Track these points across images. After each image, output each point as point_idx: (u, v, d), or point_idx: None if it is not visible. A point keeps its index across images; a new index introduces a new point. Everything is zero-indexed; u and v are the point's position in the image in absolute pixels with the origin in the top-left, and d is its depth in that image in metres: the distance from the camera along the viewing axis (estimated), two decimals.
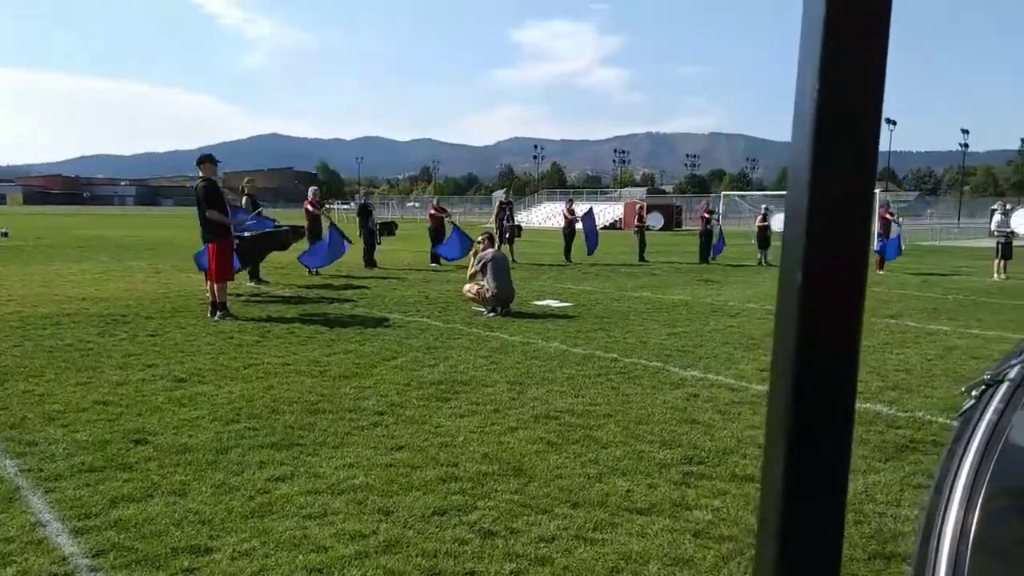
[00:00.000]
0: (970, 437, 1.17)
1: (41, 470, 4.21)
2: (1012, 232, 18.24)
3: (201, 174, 9.98)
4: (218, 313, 9.60)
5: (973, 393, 1.20)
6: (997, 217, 18.52)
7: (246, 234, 12.16)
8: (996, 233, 18.33)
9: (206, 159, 10.10)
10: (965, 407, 1.21)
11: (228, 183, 14.27)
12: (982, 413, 1.16)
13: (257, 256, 13.26)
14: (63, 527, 3.50)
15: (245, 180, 14.37)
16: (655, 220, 22.00)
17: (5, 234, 28.55)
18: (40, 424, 5.04)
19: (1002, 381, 1.14)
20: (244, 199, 13.96)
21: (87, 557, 3.22)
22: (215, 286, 9.71)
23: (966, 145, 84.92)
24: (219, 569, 3.14)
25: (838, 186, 0.53)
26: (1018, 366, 1.16)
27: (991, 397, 1.14)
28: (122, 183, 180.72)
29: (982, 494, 1.08)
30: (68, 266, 16.66)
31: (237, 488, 4.02)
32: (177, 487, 4.02)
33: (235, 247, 10.71)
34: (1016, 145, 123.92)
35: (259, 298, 11.90)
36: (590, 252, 20.90)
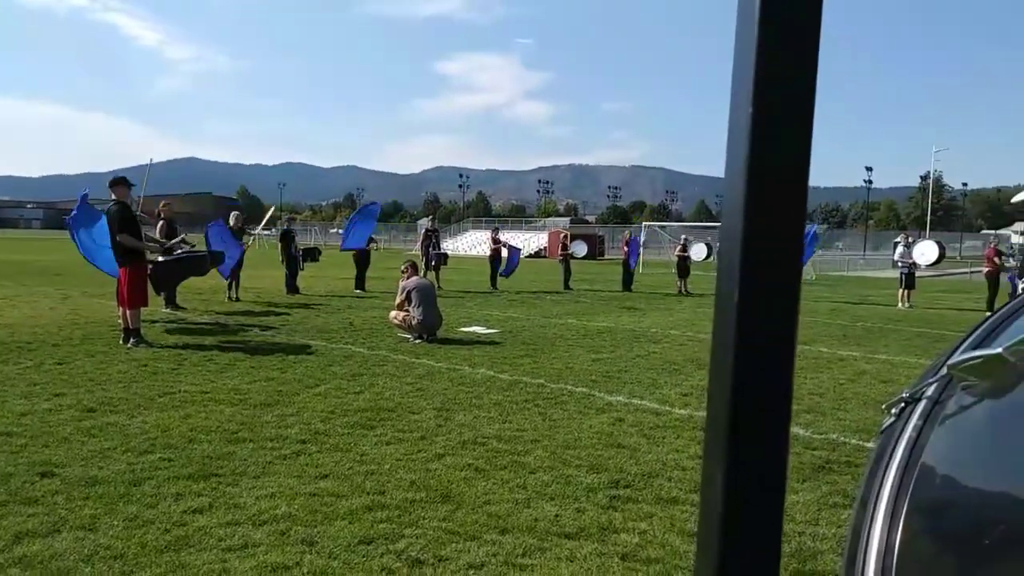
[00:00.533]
0: (891, 454, 1.21)
1: None
2: (914, 263, 19.23)
3: (114, 197, 9.63)
4: (131, 340, 9.23)
5: (893, 411, 1.24)
6: (900, 249, 19.49)
7: (160, 259, 11.77)
8: (899, 264, 19.28)
9: (119, 181, 9.77)
10: (885, 424, 1.26)
11: (144, 207, 13.79)
12: (902, 431, 1.20)
13: (172, 281, 12.83)
14: None
15: (161, 204, 13.93)
16: (579, 248, 22.32)
17: None
18: None
19: (920, 399, 1.19)
20: (160, 223, 13.53)
21: None
22: (128, 312, 9.34)
23: (870, 181, 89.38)
24: None
25: (772, 204, 0.54)
26: (935, 384, 1.21)
27: (910, 414, 1.19)
28: (28, 206, 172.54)
29: (904, 509, 1.12)
30: None
31: (151, 521, 3.85)
32: (87, 521, 3.82)
33: (148, 272, 10.36)
34: (916, 182, 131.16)
35: (176, 325, 11.50)
36: (507, 274, 21.23)
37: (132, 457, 4.87)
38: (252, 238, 16.54)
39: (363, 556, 3.53)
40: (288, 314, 13.33)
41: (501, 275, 21.07)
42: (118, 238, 9.39)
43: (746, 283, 0.55)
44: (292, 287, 17.28)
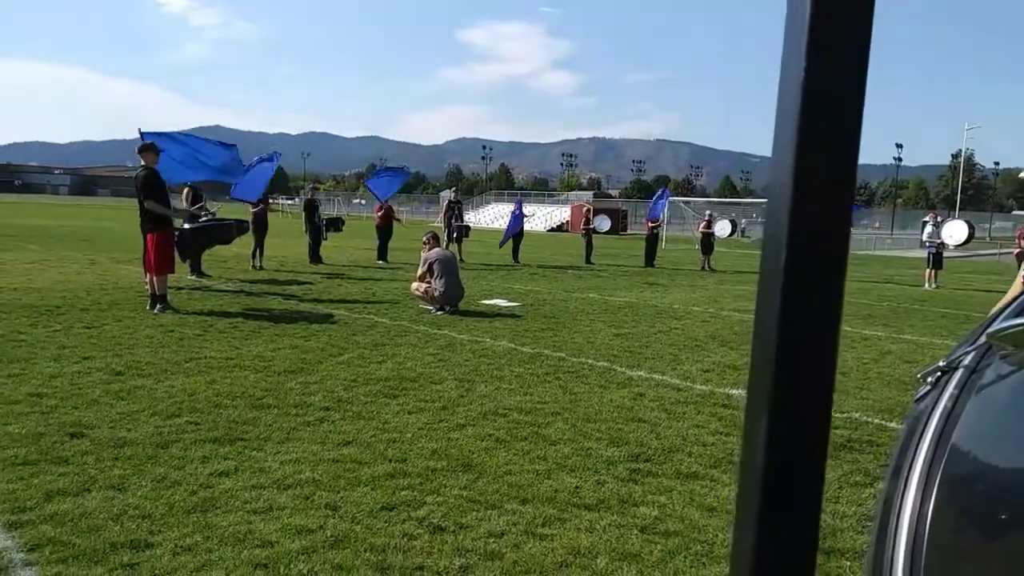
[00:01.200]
0: (925, 423, 1.20)
1: None
2: (942, 243, 18.95)
3: (143, 163, 9.71)
4: (158, 306, 9.35)
5: (928, 380, 1.23)
6: (928, 228, 19.21)
7: (186, 226, 11.89)
8: (927, 244, 19.02)
9: (148, 147, 9.83)
10: (920, 393, 1.25)
11: None
12: (937, 400, 1.19)
13: (198, 249, 12.96)
14: None
15: None
16: (602, 223, 22.11)
17: None
18: None
19: (956, 368, 1.18)
20: (185, 190, 13.63)
21: (22, 551, 3.10)
22: (155, 278, 9.46)
23: (899, 159, 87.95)
24: (160, 564, 3.06)
25: (821, 180, 0.53)
26: (972, 352, 1.20)
27: (946, 384, 1.18)
28: (56, 171, 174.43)
29: (937, 479, 1.11)
30: None
31: (179, 483, 3.93)
32: (115, 481, 3.90)
33: (176, 239, 10.46)
34: (946, 160, 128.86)
35: (201, 292, 11.63)
36: (503, 242, 21.10)
37: (159, 420, 4.96)
38: (268, 205, 16.69)
39: (385, 522, 3.58)
40: (311, 283, 13.42)
41: (502, 244, 20.92)
42: (146, 204, 9.48)
43: (792, 262, 0.54)
44: (315, 257, 17.39)
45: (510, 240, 20.88)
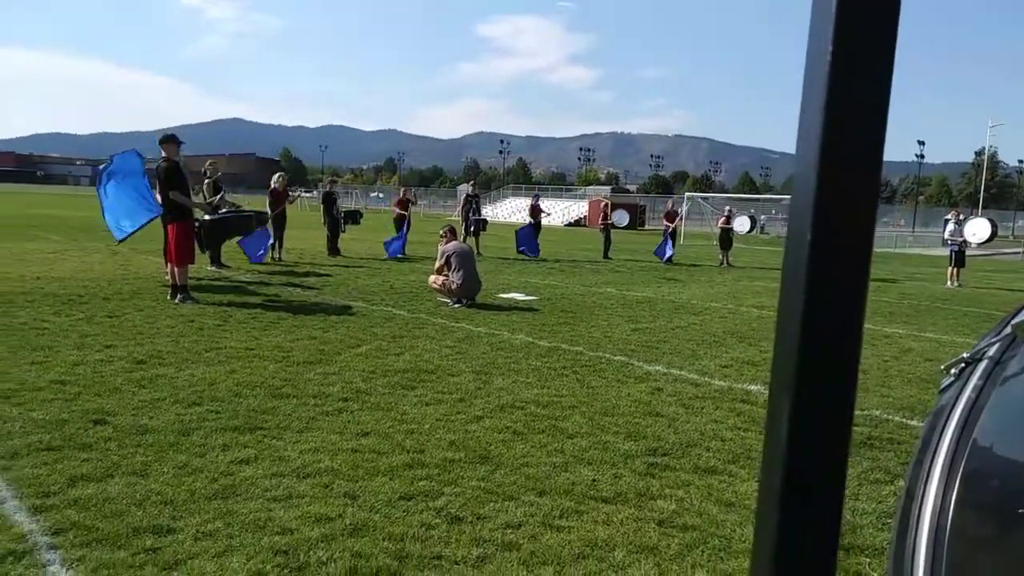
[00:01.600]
0: (949, 414, 1.19)
1: None
2: (964, 241, 18.74)
3: (164, 154, 9.79)
4: (179, 296, 9.43)
5: (952, 371, 1.22)
6: (950, 226, 18.98)
7: (207, 217, 11.97)
8: (949, 242, 18.81)
9: (169, 139, 9.91)
10: (944, 384, 1.24)
11: (189, 166, 13.99)
12: (961, 391, 1.18)
13: (218, 240, 13.05)
14: (21, 505, 3.42)
15: (208, 163, 14.13)
16: (621, 218, 21.90)
17: None
18: None
19: (981, 359, 1.17)
20: (206, 183, 13.73)
21: (46, 535, 3.15)
22: (176, 268, 9.54)
23: (922, 156, 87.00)
24: (182, 549, 3.10)
25: (845, 178, 0.53)
26: (997, 344, 1.19)
27: (970, 374, 1.17)
28: (77, 162, 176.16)
29: (960, 469, 1.10)
30: (21, 245, 16.22)
31: (200, 470, 3.97)
32: (138, 467, 3.95)
33: (196, 230, 10.54)
34: (969, 158, 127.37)
35: (221, 283, 11.72)
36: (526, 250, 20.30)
37: (181, 408, 5.01)
38: (293, 199, 16.73)
39: (403, 511, 3.60)
40: (330, 275, 13.49)
41: (521, 251, 20.21)
42: (170, 195, 9.56)
43: (816, 258, 0.54)
44: (333, 249, 17.47)
45: (527, 235, 20.83)
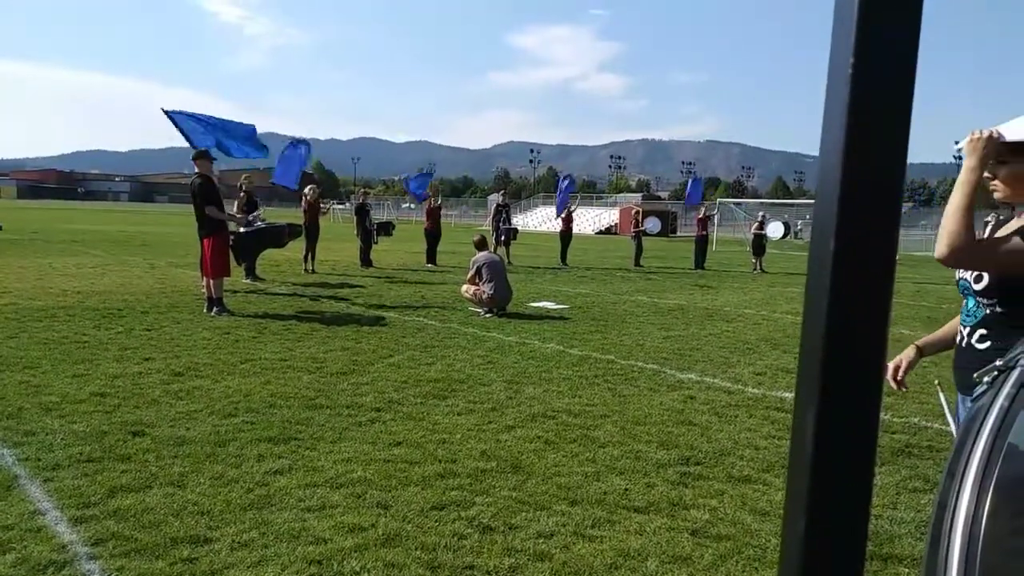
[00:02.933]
0: (982, 423, 1.18)
1: (39, 459, 4.20)
2: None
3: (197, 170, 9.96)
4: (214, 309, 9.58)
5: (985, 380, 1.21)
6: (989, 229, 18.56)
7: (241, 230, 12.15)
8: None
9: (203, 155, 10.09)
10: (977, 392, 1.22)
11: (224, 180, 14.22)
12: (993, 399, 1.17)
13: (254, 252, 13.24)
14: (62, 515, 3.49)
15: (243, 177, 14.34)
16: (653, 225, 21.60)
17: None
18: (37, 414, 5.03)
19: (1014, 367, 1.16)
20: (241, 195, 13.93)
21: (86, 545, 3.22)
22: (211, 282, 9.69)
23: (960, 158, 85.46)
24: (219, 559, 3.14)
25: (868, 183, 0.53)
26: None
27: (1003, 383, 1.16)
28: (117, 179, 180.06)
29: (993, 479, 1.09)
30: (62, 260, 16.60)
31: (236, 480, 4.02)
32: (175, 478, 4.02)
33: (231, 243, 10.70)
34: None
35: (255, 295, 11.88)
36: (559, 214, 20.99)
37: (217, 419, 5.08)
38: (326, 210, 16.95)
39: (436, 521, 3.61)
40: (362, 286, 13.61)
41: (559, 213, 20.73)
42: (206, 210, 9.73)
43: (839, 264, 0.54)
44: (366, 260, 17.62)
45: (559, 242, 20.82)
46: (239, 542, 3.30)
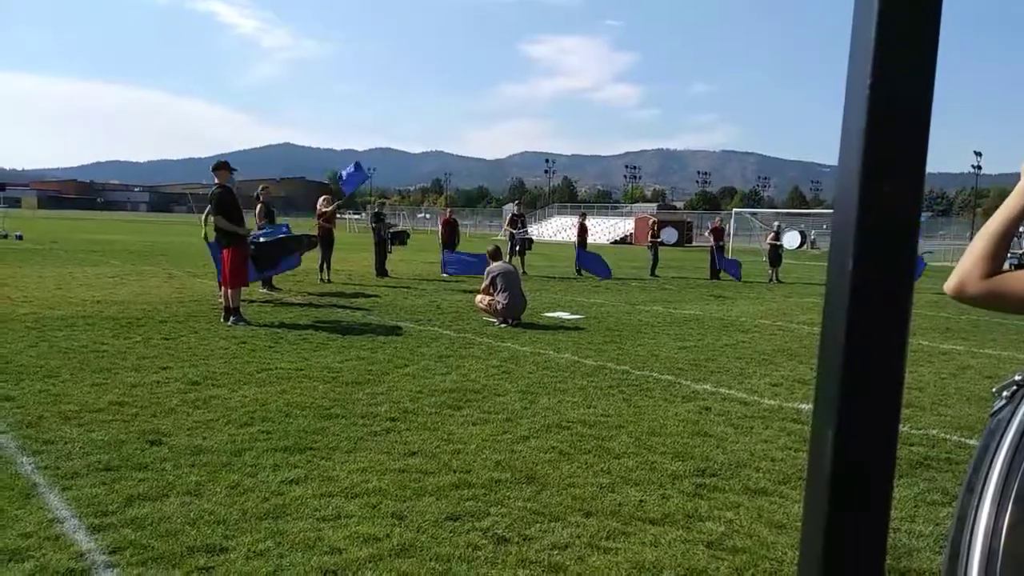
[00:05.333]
0: (1001, 437, 1.17)
1: (58, 468, 4.24)
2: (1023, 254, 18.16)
3: (216, 181, 10.05)
4: (231, 318, 9.64)
5: (1004, 394, 1.20)
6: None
7: (261, 239, 12.19)
8: (1010, 255, 18.23)
9: (222, 166, 10.19)
10: (996, 407, 1.22)
11: (243, 191, 14.29)
12: (1013, 413, 1.16)
13: (273, 262, 13.25)
14: (80, 524, 3.52)
15: (260, 187, 14.44)
16: (670, 235, 21.30)
17: (20, 237, 28.77)
18: (56, 423, 5.08)
19: None
20: (259, 206, 14.03)
21: (104, 554, 3.24)
22: (229, 291, 9.76)
23: (979, 167, 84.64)
24: (234, 568, 3.16)
25: (888, 195, 0.53)
26: None
27: (1022, 398, 1.15)
28: (135, 189, 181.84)
29: (1012, 494, 1.08)
30: (82, 269, 16.78)
31: (251, 489, 4.04)
32: (192, 487, 4.04)
33: (252, 254, 10.77)
34: None
35: (271, 304, 11.95)
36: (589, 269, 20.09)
37: (233, 429, 5.11)
38: (338, 208, 17.40)
39: (450, 532, 3.61)
40: (377, 296, 13.66)
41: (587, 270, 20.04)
42: (215, 220, 9.81)
43: (858, 280, 0.54)
44: (381, 270, 17.67)
45: (575, 252, 20.80)
46: (255, 551, 3.32)
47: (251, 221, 13.03)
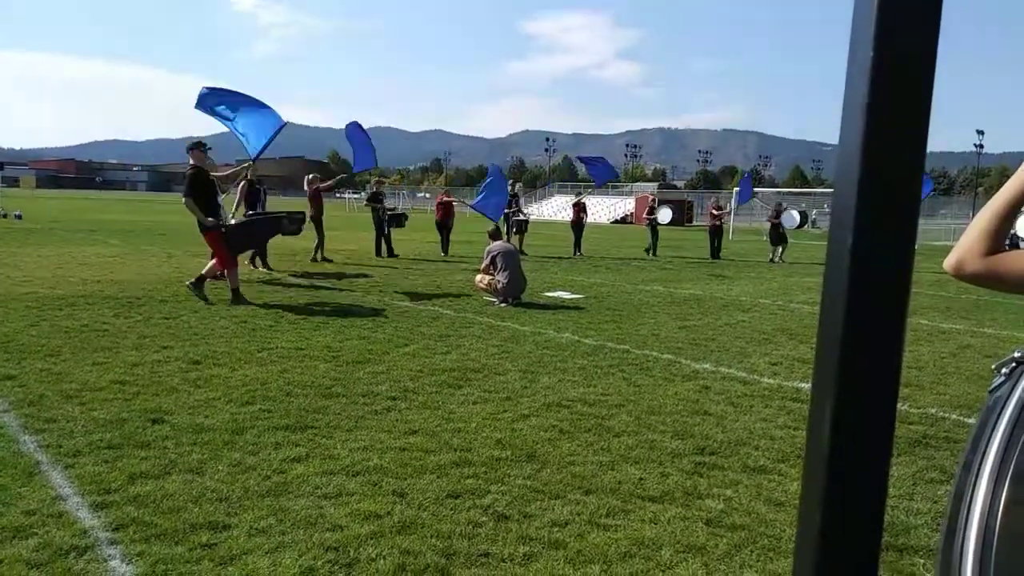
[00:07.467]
0: (999, 415, 1.17)
1: (60, 446, 4.26)
2: (1015, 234, 18.14)
3: (191, 161, 9.88)
4: (231, 299, 9.62)
5: (1003, 371, 1.20)
6: None
7: (232, 222, 11.36)
8: (1012, 234, 18.23)
9: (195, 146, 9.97)
10: (994, 384, 1.22)
11: (256, 170, 13.96)
12: (1011, 391, 1.16)
13: (245, 244, 12.38)
14: (83, 501, 3.55)
15: (245, 164, 14.00)
16: (664, 215, 21.15)
17: (19, 216, 28.73)
18: (58, 402, 5.09)
19: None
20: (242, 184, 13.52)
21: (107, 531, 3.26)
22: (227, 274, 9.69)
23: (981, 146, 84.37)
24: (237, 545, 3.18)
25: (887, 175, 0.53)
26: None
27: (1021, 375, 1.15)
28: (134, 168, 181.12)
29: (1009, 473, 1.09)
30: (82, 249, 16.76)
31: (253, 467, 4.06)
32: (194, 465, 4.07)
33: (223, 236, 10.27)
34: None
35: (271, 285, 11.95)
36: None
37: (234, 408, 5.13)
38: (331, 189, 16.43)
39: (451, 509, 3.64)
40: (377, 276, 13.66)
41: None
42: (184, 202, 9.69)
43: (857, 257, 0.54)
44: (380, 250, 17.61)
45: (572, 232, 20.72)
46: (257, 528, 3.34)
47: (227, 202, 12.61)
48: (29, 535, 3.20)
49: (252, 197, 13.69)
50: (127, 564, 3.01)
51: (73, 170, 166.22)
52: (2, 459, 4.03)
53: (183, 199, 9.81)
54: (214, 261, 9.88)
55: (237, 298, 9.66)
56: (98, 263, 13.96)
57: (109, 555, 3.07)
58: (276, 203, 15.16)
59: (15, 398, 5.14)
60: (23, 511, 3.42)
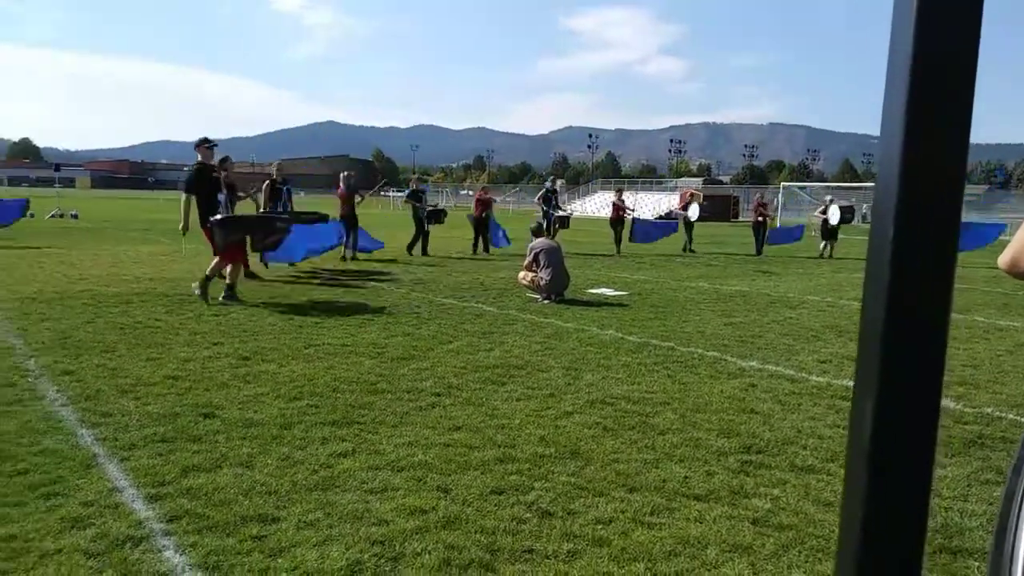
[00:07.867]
0: None
1: (116, 439, 4.38)
2: None
3: (199, 158, 9.88)
4: (223, 295, 9.44)
5: None
6: None
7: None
8: None
9: (201, 143, 9.95)
10: None
11: (285, 169, 14.26)
12: None
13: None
14: (138, 493, 3.65)
15: (274, 164, 14.00)
16: (693, 211, 20.67)
17: (75, 216, 29.59)
18: (114, 396, 5.24)
19: None
20: (265, 183, 13.41)
21: (161, 522, 3.35)
22: (229, 267, 9.60)
23: None
24: (286, 537, 3.24)
25: (929, 168, 0.52)
26: None
27: None
28: (185, 168, 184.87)
29: None
30: (135, 247, 17.22)
31: (301, 462, 4.13)
32: (244, 459, 4.15)
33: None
34: None
35: (317, 282, 12.13)
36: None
37: (283, 403, 5.22)
38: (362, 198, 16.24)
39: (495, 505, 3.65)
40: (420, 274, 13.76)
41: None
42: (181, 198, 9.72)
43: (899, 251, 0.53)
44: (418, 247, 17.62)
45: (611, 230, 20.58)
46: (305, 522, 3.40)
47: (248, 206, 12.65)
48: (87, 525, 3.30)
49: (273, 196, 13.44)
50: (180, 555, 3.08)
51: (127, 171, 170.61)
52: (61, 452, 4.16)
53: (182, 195, 9.75)
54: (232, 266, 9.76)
55: (229, 294, 9.46)
56: (150, 261, 14.33)
57: (163, 546, 3.15)
58: (300, 203, 15.26)
59: (73, 393, 5.30)
60: (81, 502, 3.53)
